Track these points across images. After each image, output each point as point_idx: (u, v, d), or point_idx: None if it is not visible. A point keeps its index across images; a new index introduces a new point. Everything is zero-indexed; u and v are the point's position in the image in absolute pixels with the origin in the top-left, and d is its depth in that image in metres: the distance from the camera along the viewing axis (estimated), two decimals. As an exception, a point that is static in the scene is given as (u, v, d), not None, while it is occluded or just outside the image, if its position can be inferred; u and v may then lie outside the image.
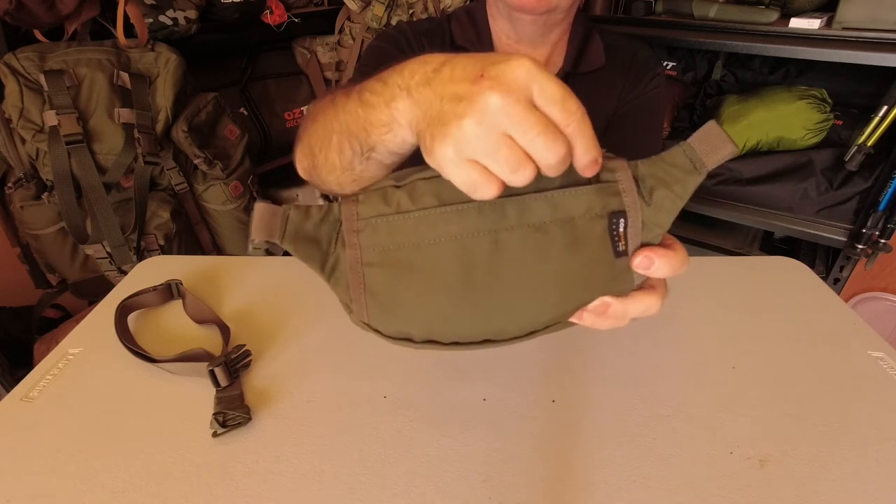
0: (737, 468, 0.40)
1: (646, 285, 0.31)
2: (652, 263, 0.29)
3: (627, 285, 0.30)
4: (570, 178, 0.29)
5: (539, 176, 0.28)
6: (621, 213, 0.29)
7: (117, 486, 0.39)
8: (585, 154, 0.26)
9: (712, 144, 0.28)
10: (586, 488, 0.39)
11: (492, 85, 0.24)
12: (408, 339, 0.31)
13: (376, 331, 0.31)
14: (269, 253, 0.28)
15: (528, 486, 0.39)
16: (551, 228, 0.29)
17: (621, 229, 0.29)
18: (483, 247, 0.29)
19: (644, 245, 0.30)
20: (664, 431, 0.43)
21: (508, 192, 0.28)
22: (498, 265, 0.29)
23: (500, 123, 0.24)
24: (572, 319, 0.31)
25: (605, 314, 0.31)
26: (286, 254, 0.32)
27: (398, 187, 0.30)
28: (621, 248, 0.29)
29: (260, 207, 0.28)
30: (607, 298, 0.30)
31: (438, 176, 0.28)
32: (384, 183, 0.30)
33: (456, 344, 0.31)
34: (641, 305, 0.31)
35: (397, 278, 0.29)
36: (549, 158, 0.25)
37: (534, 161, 0.25)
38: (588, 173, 0.27)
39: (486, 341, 0.31)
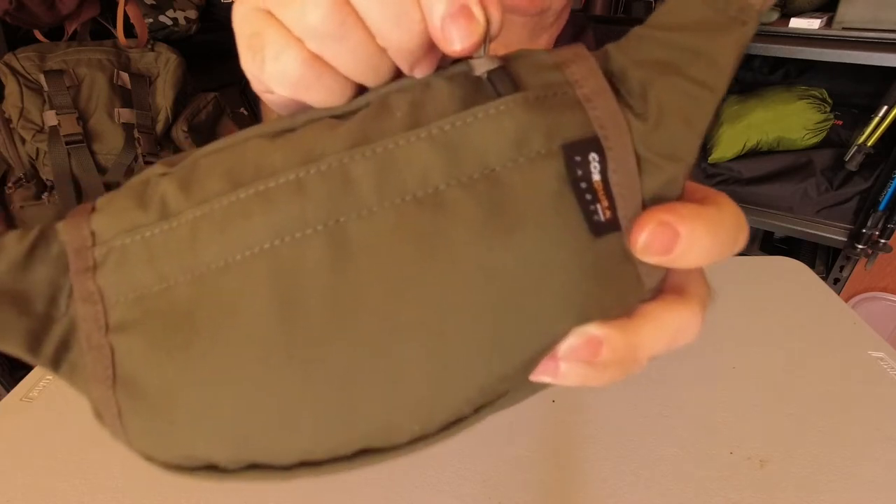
0: (737, 468, 0.40)
1: (666, 288, 0.16)
2: (676, 237, 0.14)
3: (630, 291, 0.15)
4: (470, 94, 0.15)
5: (411, 90, 0.15)
6: (590, 143, 0.14)
7: (117, 486, 0.39)
8: None
9: None
10: (586, 488, 0.39)
11: None
12: (211, 468, 0.16)
13: (149, 457, 0.17)
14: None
15: (528, 486, 0.39)
16: (451, 196, 0.14)
17: (595, 174, 0.14)
18: (316, 256, 0.14)
19: (652, 202, 0.14)
20: (664, 431, 0.43)
21: (358, 136, 0.15)
22: (350, 291, 0.14)
23: None
24: (535, 378, 0.15)
25: (597, 360, 0.15)
26: None
27: (166, 174, 0.16)
28: (603, 213, 0.14)
29: None
30: (593, 328, 0.14)
31: (241, 142, 0.16)
32: (149, 171, 0.17)
33: (304, 465, 0.16)
34: (666, 329, 0.16)
35: (169, 347, 0.15)
36: None
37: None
38: (458, 44, 0.14)
39: (363, 452, 0.16)
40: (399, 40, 0.15)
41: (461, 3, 0.14)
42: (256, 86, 0.18)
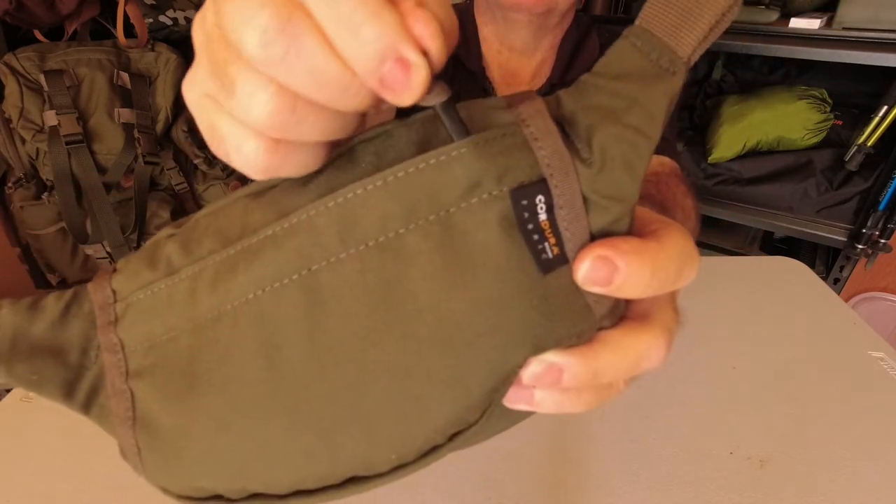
0: (737, 468, 0.40)
1: (630, 314, 0.17)
2: (615, 271, 0.15)
3: (581, 319, 0.16)
4: (425, 138, 0.16)
5: (374, 139, 0.16)
6: (536, 186, 0.15)
7: (117, 486, 0.39)
8: (353, 30, 0.13)
9: (684, 7, 0.15)
10: (586, 488, 0.39)
11: None
12: (218, 498, 0.18)
13: (164, 489, 0.19)
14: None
15: (528, 486, 0.39)
16: (410, 240, 0.15)
17: (542, 215, 0.15)
18: (292, 304, 0.16)
19: (600, 236, 0.15)
20: (664, 431, 0.43)
21: (324, 189, 0.16)
22: (324, 336, 0.16)
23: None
24: (512, 406, 0.17)
25: (563, 386, 0.16)
26: None
27: (172, 235, 0.18)
28: (551, 250, 0.15)
29: None
30: (553, 356, 0.16)
31: (231, 202, 0.18)
32: (160, 234, 0.19)
33: (298, 494, 0.18)
34: (626, 355, 0.16)
35: (175, 392, 0.17)
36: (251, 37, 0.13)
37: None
38: (407, 99, 0.14)
39: (351, 481, 0.18)
40: (354, 106, 0.14)
41: (394, 57, 0.13)
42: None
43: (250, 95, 0.13)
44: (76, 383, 0.18)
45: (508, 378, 0.16)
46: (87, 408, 0.19)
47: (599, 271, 0.15)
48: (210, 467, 0.18)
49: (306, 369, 0.16)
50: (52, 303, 0.18)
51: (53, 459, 0.41)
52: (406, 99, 0.13)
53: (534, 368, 0.16)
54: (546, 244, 0.15)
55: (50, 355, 0.18)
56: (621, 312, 0.17)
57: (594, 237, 0.15)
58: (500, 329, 0.16)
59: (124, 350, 0.18)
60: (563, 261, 0.15)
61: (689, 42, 0.15)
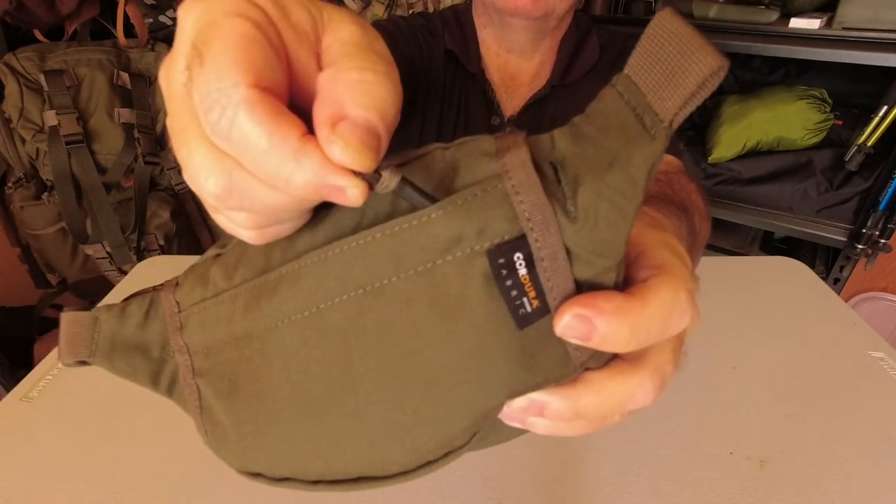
0: (737, 468, 0.40)
1: (624, 354, 0.17)
2: (593, 328, 0.15)
3: (558, 367, 0.17)
4: (399, 203, 0.17)
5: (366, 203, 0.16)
6: (514, 243, 0.15)
7: (117, 486, 0.39)
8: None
9: (671, 64, 0.14)
10: (586, 488, 0.39)
11: None
12: (259, 476, 0.22)
13: (228, 464, 0.23)
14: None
15: (528, 486, 0.39)
16: (400, 288, 0.16)
17: (521, 270, 0.16)
18: (305, 339, 0.18)
19: (584, 288, 0.16)
20: (664, 431, 0.43)
21: (333, 230, 0.17)
22: (330, 368, 0.18)
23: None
24: (507, 421, 0.18)
25: (543, 417, 0.17)
26: None
27: (219, 256, 0.21)
28: (531, 303, 0.16)
29: (65, 319, 0.21)
30: (537, 395, 0.17)
31: None
32: (209, 253, 0.22)
33: (322, 483, 0.21)
34: (609, 397, 0.17)
35: (224, 392, 0.21)
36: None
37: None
38: (336, 200, 0.14)
39: (363, 479, 0.20)
40: (308, 204, 0.15)
41: (326, 187, 0.14)
42: None
43: (205, 178, 0.14)
44: (160, 374, 0.22)
45: (488, 415, 0.18)
46: (169, 393, 0.22)
47: (577, 329, 0.15)
48: (251, 456, 0.21)
49: (319, 394, 0.18)
50: (136, 309, 0.21)
51: (53, 459, 0.41)
52: (354, 205, 0.14)
53: (518, 402, 0.17)
54: (525, 299, 0.16)
55: (138, 351, 0.21)
56: (609, 355, 0.17)
57: (580, 286, 0.16)
58: (480, 378, 0.17)
59: (189, 352, 0.21)
60: (544, 311, 0.16)
61: (671, 106, 0.14)
